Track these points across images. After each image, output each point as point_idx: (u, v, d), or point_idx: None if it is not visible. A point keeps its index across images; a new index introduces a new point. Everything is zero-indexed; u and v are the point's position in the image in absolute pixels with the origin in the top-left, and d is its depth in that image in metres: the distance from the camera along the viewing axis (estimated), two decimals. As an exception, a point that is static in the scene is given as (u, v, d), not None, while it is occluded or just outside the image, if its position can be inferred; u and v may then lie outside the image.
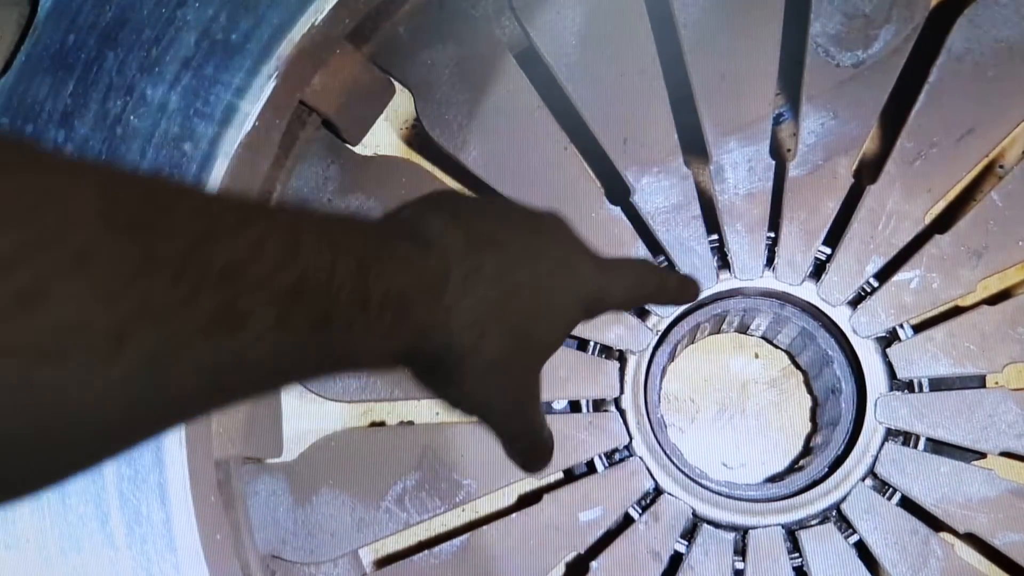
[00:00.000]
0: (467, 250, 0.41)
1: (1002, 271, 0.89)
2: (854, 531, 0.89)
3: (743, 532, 0.90)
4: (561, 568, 0.91)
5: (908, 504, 0.89)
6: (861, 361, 0.91)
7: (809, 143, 0.89)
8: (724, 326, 1.00)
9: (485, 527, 0.89)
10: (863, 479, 0.90)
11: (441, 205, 0.44)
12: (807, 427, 1.01)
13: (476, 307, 0.41)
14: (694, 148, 0.91)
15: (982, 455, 0.90)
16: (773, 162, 0.89)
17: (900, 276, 0.89)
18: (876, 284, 0.91)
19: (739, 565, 0.90)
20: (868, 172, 0.93)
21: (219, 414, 0.79)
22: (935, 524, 0.88)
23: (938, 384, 0.92)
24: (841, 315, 0.92)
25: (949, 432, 0.88)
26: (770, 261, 0.92)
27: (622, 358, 0.93)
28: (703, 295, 0.92)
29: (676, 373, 1.01)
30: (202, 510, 0.75)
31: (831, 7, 0.88)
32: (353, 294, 0.35)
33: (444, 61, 0.87)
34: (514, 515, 0.89)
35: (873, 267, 0.90)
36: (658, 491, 0.91)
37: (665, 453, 0.92)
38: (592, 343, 0.93)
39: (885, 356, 0.92)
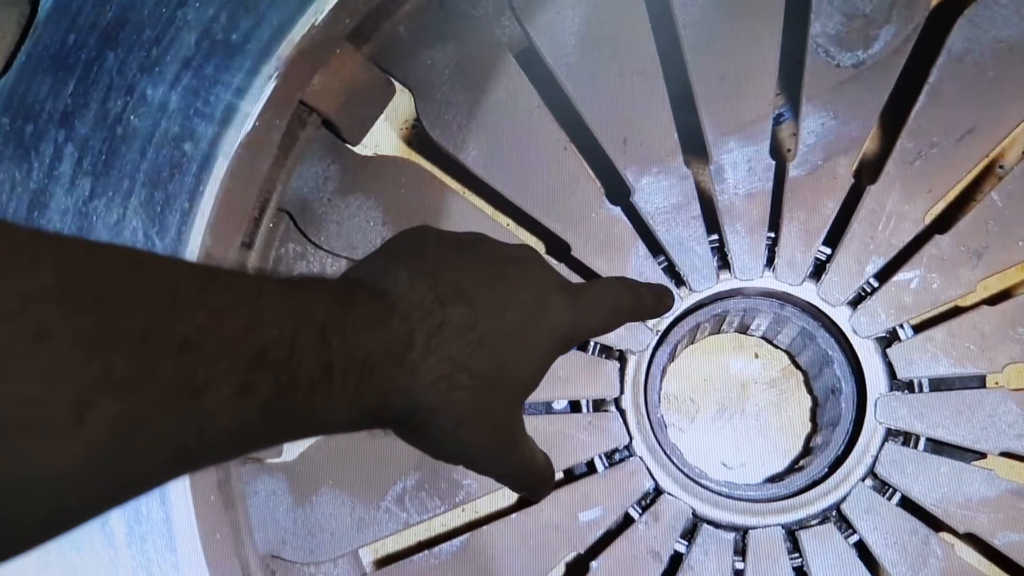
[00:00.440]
0: (432, 306, 0.41)
1: (1002, 271, 0.89)
2: (854, 531, 0.89)
3: (743, 532, 0.90)
4: (561, 568, 0.91)
5: (908, 504, 0.89)
6: (861, 361, 0.91)
7: (809, 143, 0.89)
8: (724, 326, 1.00)
9: (485, 527, 0.89)
10: (863, 479, 0.90)
11: (406, 255, 0.44)
12: (807, 427, 1.01)
13: (441, 365, 0.41)
14: (694, 148, 0.91)
15: (982, 455, 0.90)
16: (773, 162, 0.89)
17: (900, 276, 0.89)
18: (876, 284, 0.91)
19: (739, 565, 0.90)
20: (868, 172, 0.93)
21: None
22: (935, 524, 0.87)
23: (938, 384, 0.92)
24: (841, 315, 0.92)
25: (949, 432, 0.88)
26: (770, 261, 0.92)
27: (622, 358, 0.93)
28: (703, 295, 0.92)
29: (676, 373, 1.01)
30: (202, 510, 0.75)
31: (831, 7, 0.88)
32: (316, 362, 0.35)
33: (444, 61, 0.87)
34: (514, 515, 0.89)
35: (873, 267, 0.90)
36: (658, 491, 0.91)
37: (665, 453, 0.92)
38: (592, 343, 0.93)
39: (885, 356, 0.92)
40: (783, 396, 1.01)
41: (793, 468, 0.98)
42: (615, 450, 0.92)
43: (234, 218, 0.79)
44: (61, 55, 0.74)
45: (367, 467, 0.87)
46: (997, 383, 0.91)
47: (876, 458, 0.90)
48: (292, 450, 0.88)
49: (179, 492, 0.73)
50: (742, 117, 0.89)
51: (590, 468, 0.92)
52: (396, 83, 0.89)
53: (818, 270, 0.92)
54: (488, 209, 0.95)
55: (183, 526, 0.73)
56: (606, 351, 0.93)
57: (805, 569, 0.89)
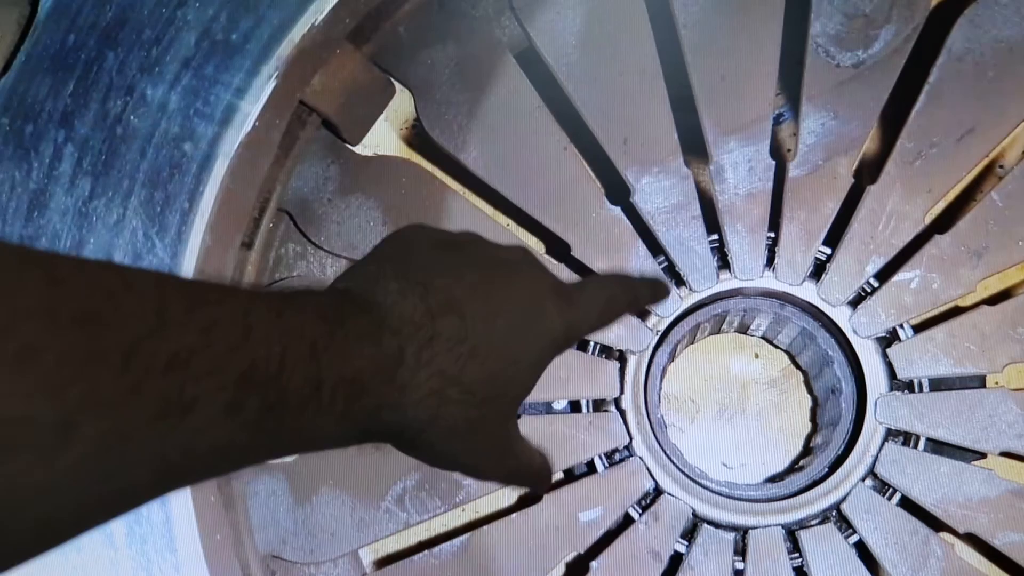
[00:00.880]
0: (423, 319, 0.41)
1: (1002, 271, 0.89)
2: (854, 531, 0.89)
3: (743, 532, 0.90)
4: (561, 568, 0.91)
5: (908, 504, 0.89)
6: (861, 361, 0.91)
7: (809, 143, 0.89)
8: (724, 326, 1.00)
9: (485, 527, 0.89)
10: (863, 479, 0.90)
11: (397, 261, 0.44)
12: (807, 427, 1.01)
13: (432, 380, 0.41)
14: (694, 148, 0.91)
15: (982, 455, 0.90)
16: (773, 162, 0.89)
17: (900, 276, 0.89)
18: (876, 284, 0.91)
19: (739, 565, 0.90)
20: (868, 172, 0.93)
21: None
22: (935, 524, 0.87)
23: (938, 384, 0.92)
24: (841, 315, 0.92)
25: (949, 432, 0.88)
26: (770, 261, 0.92)
27: (622, 358, 0.93)
28: (703, 295, 0.92)
29: (676, 373, 1.01)
30: (202, 510, 0.75)
31: (831, 7, 0.88)
32: (305, 380, 0.35)
33: (444, 61, 0.87)
34: (514, 515, 0.89)
35: (873, 267, 0.90)
36: (658, 491, 0.91)
37: (665, 453, 0.92)
38: (592, 343, 0.93)
39: (885, 356, 0.92)
40: (783, 396, 1.01)
41: (793, 468, 0.98)
42: (615, 450, 0.92)
43: (234, 218, 0.79)
44: (61, 55, 0.74)
45: (367, 467, 0.87)
46: (997, 383, 0.91)
47: (876, 458, 0.90)
48: (292, 450, 0.88)
49: (179, 493, 0.73)
50: (742, 117, 0.89)
51: (590, 468, 0.92)
52: (396, 83, 0.89)
53: (818, 270, 0.92)
54: (488, 209, 0.95)
55: (183, 527, 0.73)
56: (606, 351, 0.93)
57: (805, 569, 0.89)
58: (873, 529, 0.88)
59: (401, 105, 0.94)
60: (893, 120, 0.91)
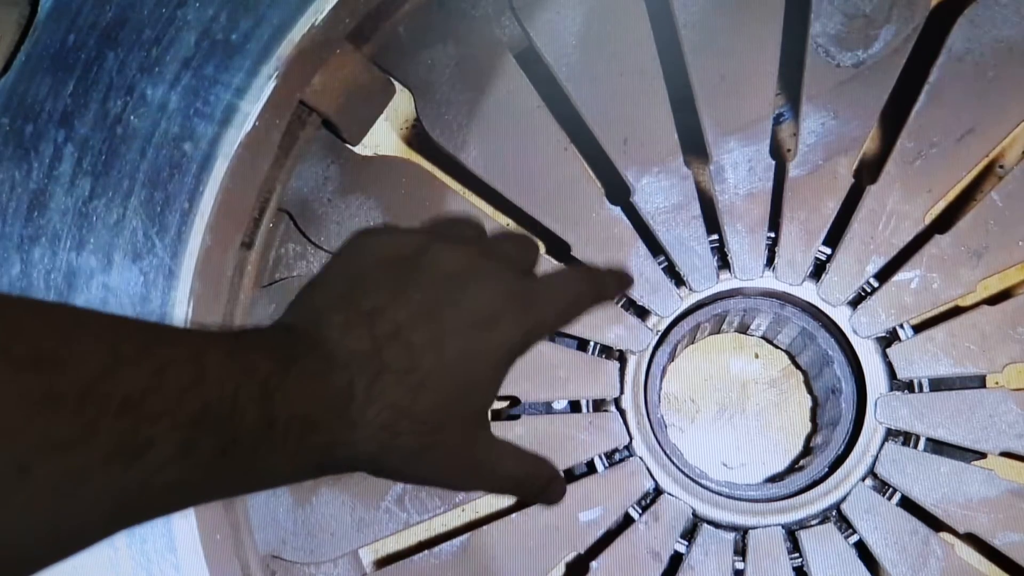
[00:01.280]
0: (370, 352, 0.41)
1: (1002, 271, 0.89)
2: (854, 531, 0.89)
3: (743, 532, 0.90)
4: (561, 568, 0.91)
5: (908, 504, 0.89)
6: (861, 361, 0.91)
7: (809, 143, 0.89)
8: (724, 326, 1.00)
9: (485, 527, 0.89)
10: (863, 479, 0.90)
11: (342, 289, 0.44)
12: (807, 427, 1.01)
13: (383, 415, 0.41)
14: (694, 148, 0.91)
15: (982, 455, 0.90)
16: (773, 162, 0.89)
17: (900, 276, 0.89)
18: (876, 284, 0.91)
19: (739, 565, 0.90)
20: (868, 172, 0.93)
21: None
22: (935, 524, 0.87)
23: (938, 384, 0.92)
24: (841, 315, 0.92)
25: (949, 432, 0.88)
26: (770, 261, 0.92)
27: (622, 358, 0.93)
28: (703, 295, 0.92)
29: (676, 373, 1.01)
30: (202, 510, 0.75)
31: (831, 7, 0.88)
32: (258, 419, 0.36)
33: (444, 61, 0.87)
34: (514, 515, 0.89)
35: (873, 267, 0.90)
36: (658, 491, 0.91)
37: (665, 453, 0.92)
38: (592, 343, 0.93)
39: (885, 356, 0.92)
40: (783, 396, 1.02)
41: (793, 468, 0.98)
42: (615, 450, 0.92)
43: (234, 218, 0.79)
44: (61, 55, 0.74)
45: (367, 467, 0.87)
46: (997, 383, 0.91)
47: (876, 458, 0.90)
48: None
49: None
50: (742, 117, 0.89)
51: (590, 468, 0.92)
52: (396, 83, 0.89)
53: (818, 270, 0.92)
54: (488, 209, 0.95)
55: (183, 527, 0.74)
56: (606, 351, 0.93)
57: (805, 569, 0.89)
58: (873, 529, 0.88)
59: (401, 105, 0.94)
60: (893, 120, 0.91)
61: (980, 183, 0.95)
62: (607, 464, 0.92)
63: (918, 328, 0.92)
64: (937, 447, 0.91)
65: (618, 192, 0.91)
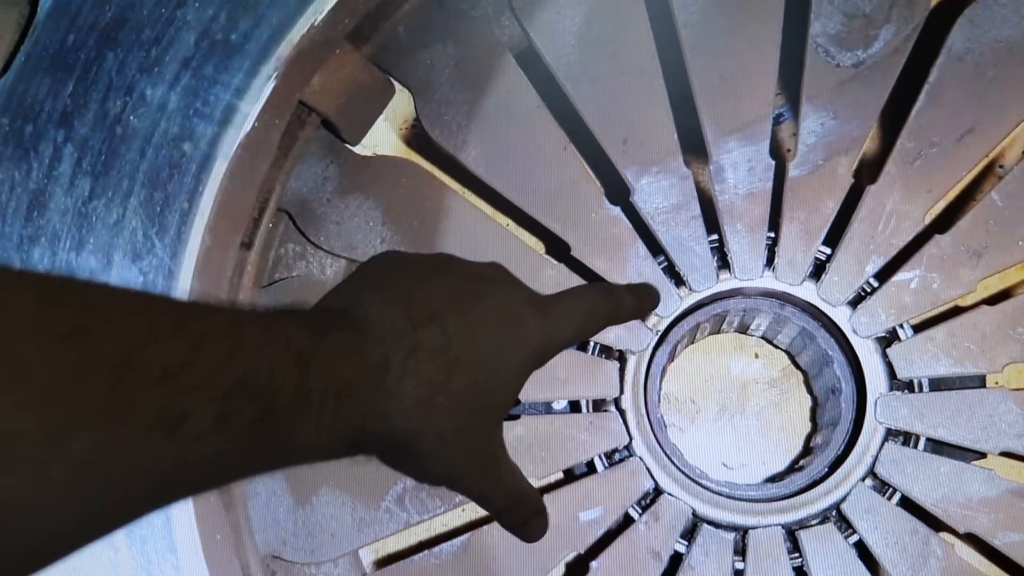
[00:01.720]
0: (405, 328, 0.42)
1: (1002, 271, 0.89)
2: (854, 531, 0.89)
3: (743, 532, 0.90)
4: (561, 568, 0.91)
5: (908, 504, 0.89)
6: (861, 361, 0.91)
7: (809, 143, 0.89)
8: (724, 326, 1.00)
9: (485, 527, 0.89)
10: (863, 479, 0.90)
11: (376, 280, 0.45)
12: (807, 427, 1.01)
13: (418, 388, 0.41)
14: (694, 148, 0.91)
15: (982, 455, 0.90)
16: (773, 162, 0.89)
17: (900, 276, 0.89)
18: (876, 284, 0.91)
19: (739, 565, 0.90)
20: (868, 172, 0.93)
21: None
22: (935, 524, 0.87)
23: (938, 384, 0.92)
24: (841, 315, 0.92)
25: (949, 432, 0.88)
26: (770, 261, 0.92)
27: (622, 358, 0.93)
28: (703, 295, 0.92)
29: (676, 373, 1.01)
30: (202, 510, 0.75)
31: (831, 7, 0.88)
32: (294, 390, 0.36)
33: (444, 61, 0.87)
34: (514, 515, 0.89)
35: (873, 267, 0.90)
36: (658, 491, 0.91)
37: (665, 453, 0.92)
38: (592, 343, 0.93)
39: (885, 356, 0.92)
40: (783, 396, 1.01)
41: (793, 468, 0.98)
42: (615, 450, 0.92)
43: (233, 218, 0.79)
44: (60, 55, 0.74)
45: (367, 467, 0.87)
46: (997, 383, 0.91)
47: (876, 458, 0.90)
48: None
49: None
50: (742, 117, 0.89)
51: (590, 468, 0.92)
52: (396, 83, 0.89)
53: (818, 270, 0.92)
54: (488, 209, 0.95)
55: (183, 527, 0.73)
56: (606, 351, 0.93)
57: (805, 569, 0.89)
58: (873, 529, 0.88)
59: (401, 105, 0.94)
60: (893, 120, 0.91)
61: (980, 183, 0.95)
62: (607, 464, 0.92)
63: (918, 328, 0.92)
64: (937, 447, 0.91)
65: (618, 192, 0.91)
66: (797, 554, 0.89)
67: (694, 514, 0.91)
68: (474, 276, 0.47)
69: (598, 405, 0.93)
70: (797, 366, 1.02)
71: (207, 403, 0.32)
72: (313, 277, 0.90)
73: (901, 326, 0.92)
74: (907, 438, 0.92)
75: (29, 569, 0.29)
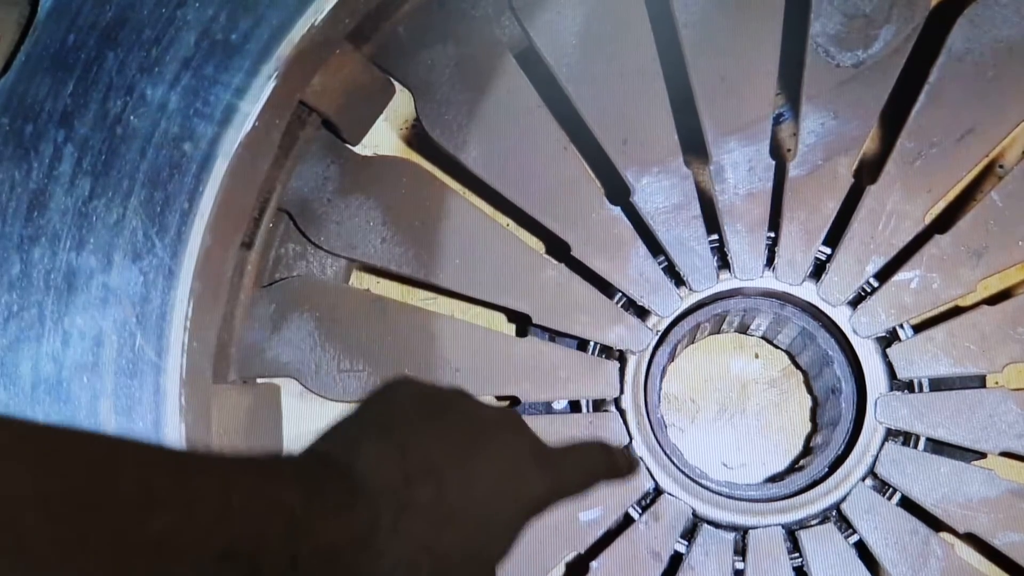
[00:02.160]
0: (400, 484, 0.42)
1: (1002, 271, 0.89)
2: (854, 531, 0.89)
3: (743, 532, 0.90)
4: (561, 568, 0.91)
5: (908, 504, 0.89)
6: (861, 361, 0.91)
7: (809, 143, 0.89)
8: (724, 326, 1.00)
9: (485, 527, 0.89)
10: (863, 479, 0.90)
11: (377, 423, 0.45)
12: (807, 427, 1.01)
13: (408, 546, 0.41)
14: (694, 148, 0.91)
15: (982, 455, 0.90)
16: (773, 162, 0.89)
17: (900, 276, 0.89)
18: (876, 284, 0.91)
19: (739, 565, 0.90)
20: (868, 172, 0.93)
21: (219, 413, 0.79)
22: (935, 524, 0.87)
23: (938, 384, 0.92)
24: (841, 315, 0.92)
25: (949, 432, 0.88)
26: (770, 261, 0.92)
27: (622, 358, 0.93)
28: (703, 295, 0.92)
29: (676, 373, 1.01)
30: None
31: (831, 7, 0.88)
32: (281, 554, 0.36)
33: (444, 61, 0.87)
34: (514, 515, 0.89)
35: (873, 267, 0.90)
36: (658, 491, 0.91)
37: (665, 453, 0.92)
38: (592, 343, 0.93)
39: (885, 356, 0.92)
40: (783, 396, 1.02)
41: (793, 468, 0.98)
42: (615, 450, 0.92)
43: (234, 218, 0.79)
44: (61, 55, 0.74)
45: None
46: (997, 383, 0.91)
47: (876, 458, 0.90)
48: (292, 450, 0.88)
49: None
50: (742, 117, 0.89)
51: (590, 468, 0.92)
52: (396, 83, 0.89)
53: (818, 270, 0.92)
54: (488, 209, 0.95)
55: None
56: (606, 351, 0.93)
57: (805, 569, 0.89)
58: (873, 529, 0.88)
59: (401, 105, 0.94)
60: (893, 120, 0.91)
61: (980, 183, 0.96)
62: (607, 464, 0.92)
63: (918, 328, 0.92)
64: (937, 447, 0.91)
65: (618, 192, 0.91)
66: (797, 554, 0.89)
67: (694, 514, 0.91)
68: (480, 421, 0.47)
69: (598, 405, 0.93)
70: (797, 366, 1.02)
71: (197, 570, 0.33)
72: (313, 277, 0.90)
73: (901, 326, 0.92)
74: (907, 438, 0.92)
75: None
